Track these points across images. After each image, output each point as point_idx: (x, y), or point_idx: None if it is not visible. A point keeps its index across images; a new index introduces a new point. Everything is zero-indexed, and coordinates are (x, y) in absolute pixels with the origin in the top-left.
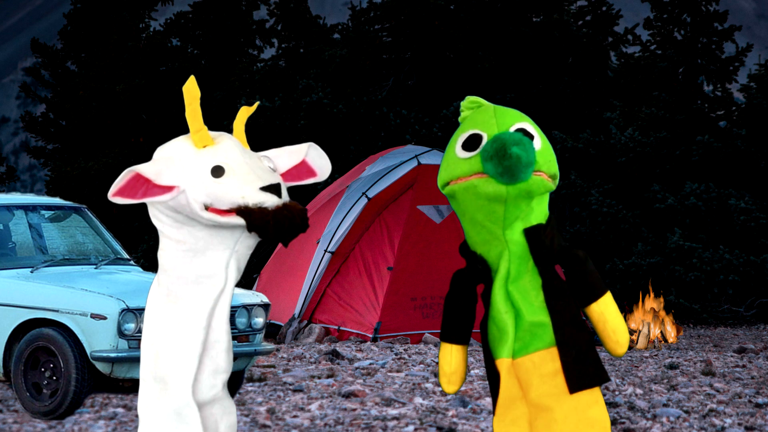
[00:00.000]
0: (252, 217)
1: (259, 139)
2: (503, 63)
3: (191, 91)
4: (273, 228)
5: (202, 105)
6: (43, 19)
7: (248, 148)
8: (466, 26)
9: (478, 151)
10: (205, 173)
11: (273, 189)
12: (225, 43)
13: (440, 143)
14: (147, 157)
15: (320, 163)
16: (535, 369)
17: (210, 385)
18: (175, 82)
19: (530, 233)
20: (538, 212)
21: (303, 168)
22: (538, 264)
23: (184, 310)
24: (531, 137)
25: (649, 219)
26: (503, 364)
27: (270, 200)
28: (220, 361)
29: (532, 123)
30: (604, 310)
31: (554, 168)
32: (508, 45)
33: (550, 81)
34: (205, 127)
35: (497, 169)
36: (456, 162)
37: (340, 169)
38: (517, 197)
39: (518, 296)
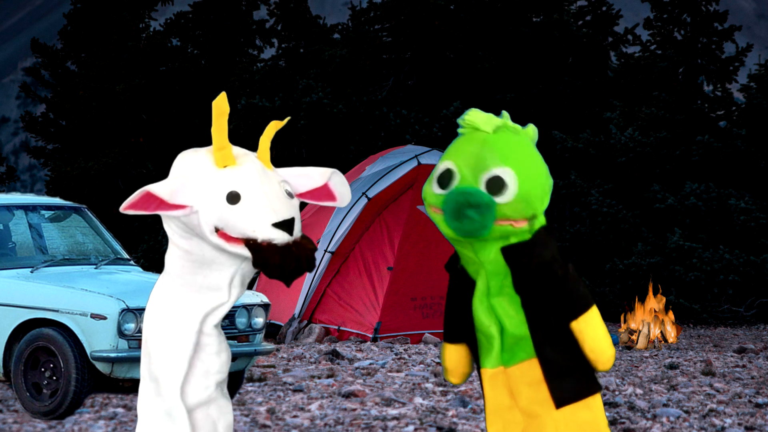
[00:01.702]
0: (259, 253)
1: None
2: (503, 63)
3: (220, 106)
4: (278, 269)
5: (202, 105)
6: (43, 19)
7: (271, 168)
8: (466, 26)
9: (444, 192)
10: (221, 198)
11: (285, 225)
12: (225, 43)
13: (440, 143)
14: (147, 157)
15: (342, 191)
16: (522, 377)
17: (203, 386)
18: (175, 82)
19: (507, 253)
20: (521, 229)
21: (324, 191)
22: (515, 282)
23: (179, 313)
24: (501, 186)
25: (649, 219)
26: (486, 374)
27: (280, 237)
28: (211, 364)
29: (519, 161)
30: (583, 329)
31: (531, 209)
32: (508, 45)
33: (550, 81)
34: (230, 146)
35: (453, 224)
36: (430, 190)
37: (340, 169)
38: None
39: (500, 311)
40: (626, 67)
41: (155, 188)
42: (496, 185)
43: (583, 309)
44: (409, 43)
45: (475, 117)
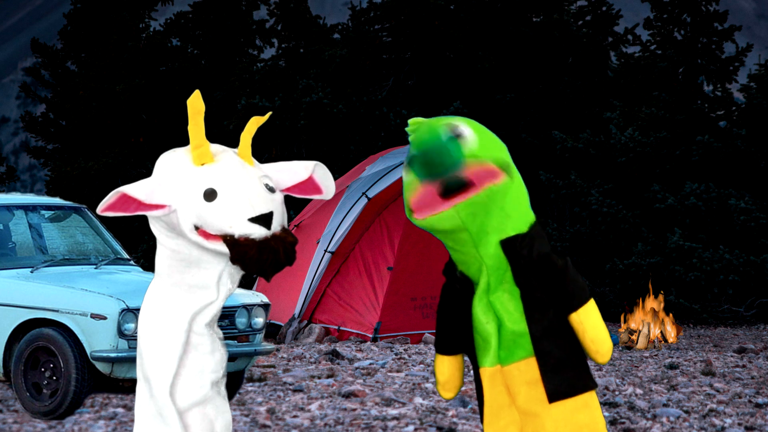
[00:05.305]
0: (236, 249)
1: (259, 139)
2: (503, 63)
3: (195, 105)
4: (255, 264)
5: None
6: (43, 19)
7: (252, 163)
8: (466, 26)
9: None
10: (198, 196)
11: (263, 220)
12: (225, 43)
13: None
14: (147, 157)
15: (326, 183)
16: (521, 376)
17: (198, 386)
18: (175, 82)
19: (507, 246)
20: (516, 219)
21: (310, 184)
22: (516, 275)
23: (168, 313)
24: (458, 129)
25: (649, 219)
26: (485, 373)
27: (257, 232)
28: (205, 363)
29: (471, 123)
30: (584, 320)
31: (501, 154)
32: (508, 45)
33: (550, 81)
34: (207, 143)
35: (418, 166)
36: (405, 185)
37: (340, 169)
38: (473, 216)
39: (499, 306)
40: (626, 67)
41: (130, 189)
42: (454, 129)
43: (583, 301)
44: (409, 43)
45: (416, 118)
